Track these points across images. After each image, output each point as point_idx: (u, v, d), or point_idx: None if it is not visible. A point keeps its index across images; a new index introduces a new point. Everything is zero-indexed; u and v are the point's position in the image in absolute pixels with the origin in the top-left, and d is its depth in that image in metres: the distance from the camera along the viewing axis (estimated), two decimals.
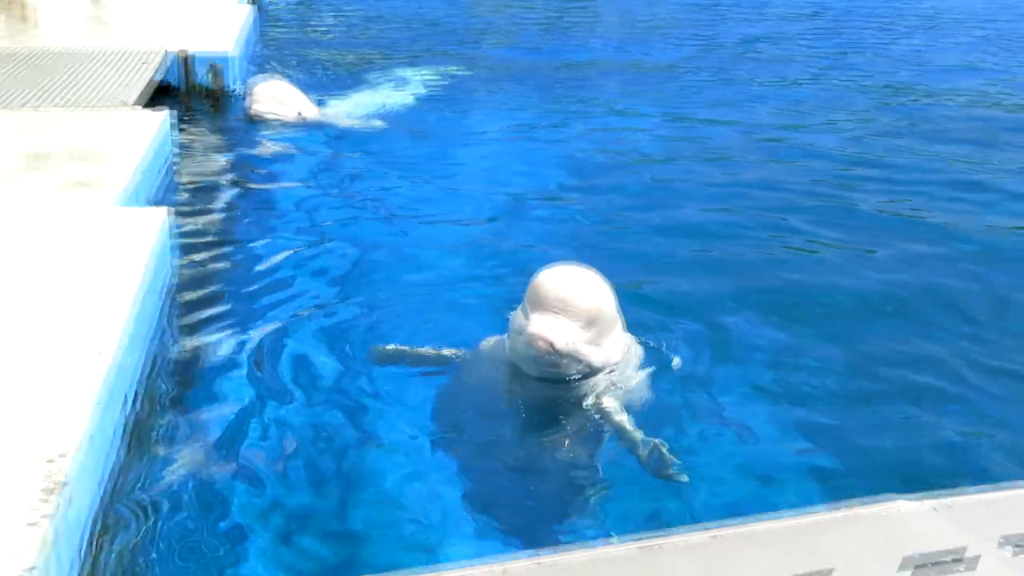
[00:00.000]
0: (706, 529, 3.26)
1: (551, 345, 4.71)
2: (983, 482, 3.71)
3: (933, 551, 3.11)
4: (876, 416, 5.39)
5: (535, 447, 4.94)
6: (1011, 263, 7.59)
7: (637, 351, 5.29)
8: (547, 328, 4.71)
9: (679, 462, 4.54)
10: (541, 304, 4.77)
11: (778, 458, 4.97)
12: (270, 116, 10.20)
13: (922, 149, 10.46)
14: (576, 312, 4.75)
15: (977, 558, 3.11)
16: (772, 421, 5.26)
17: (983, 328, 6.47)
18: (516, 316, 4.98)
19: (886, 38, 17.21)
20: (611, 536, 4.09)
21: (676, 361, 5.62)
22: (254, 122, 10.27)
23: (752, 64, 14.97)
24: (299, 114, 10.33)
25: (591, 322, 4.79)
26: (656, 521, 4.38)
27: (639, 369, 5.20)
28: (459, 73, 13.70)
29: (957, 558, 3.09)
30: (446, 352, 5.46)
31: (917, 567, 3.05)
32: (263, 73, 11.20)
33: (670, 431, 5.00)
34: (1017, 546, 3.16)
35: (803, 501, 4.51)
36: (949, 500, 3.42)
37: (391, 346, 5.61)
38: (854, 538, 3.20)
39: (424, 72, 13.53)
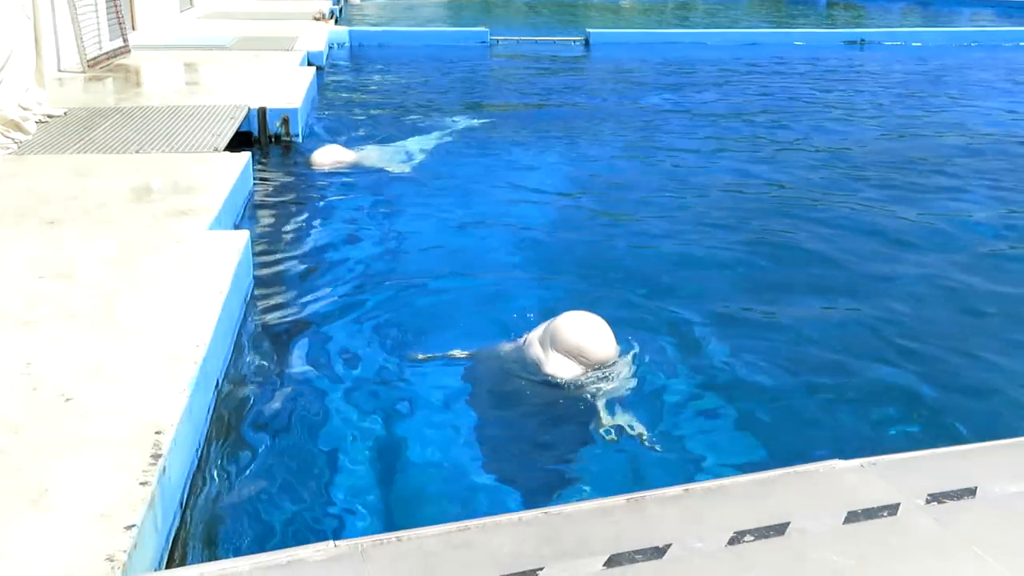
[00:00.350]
0: (680, 485, 3.26)
1: (564, 381, 4.85)
2: (909, 446, 3.69)
3: (867, 503, 3.10)
4: (817, 392, 5.38)
5: (544, 425, 4.94)
6: (960, 258, 7.66)
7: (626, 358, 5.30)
8: (562, 370, 4.85)
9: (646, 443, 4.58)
10: (559, 348, 4.85)
11: (736, 430, 4.96)
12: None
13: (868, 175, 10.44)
14: (588, 361, 4.83)
15: (897, 506, 3.10)
16: (732, 399, 5.25)
17: (928, 314, 6.52)
18: (535, 343, 5.03)
19: (848, 88, 17.14)
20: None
21: (659, 356, 5.65)
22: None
23: (728, 107, 14.92)
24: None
25: (599, 366, 4.87)
26: (640, 479, 4.38)
27: (627, 366, 5.22)
28: (484, 120, 13.68)
29: (885, 507, 3.08)
30: (470, 352, 5.48)
31: (853, 515, 3.04)
32: (326, 144, 11.10)
33: (652, 410, 5.02)
34: (930, 496, 3.15)
35: (757, 464, 4.51)
36: (875, 460, 3.41)
37: (427, 355, 5.62)
38: (802, 492, 3.19)
39: (454, 121, 13.51)
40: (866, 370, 5.61)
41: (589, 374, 4.95)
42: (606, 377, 5.03)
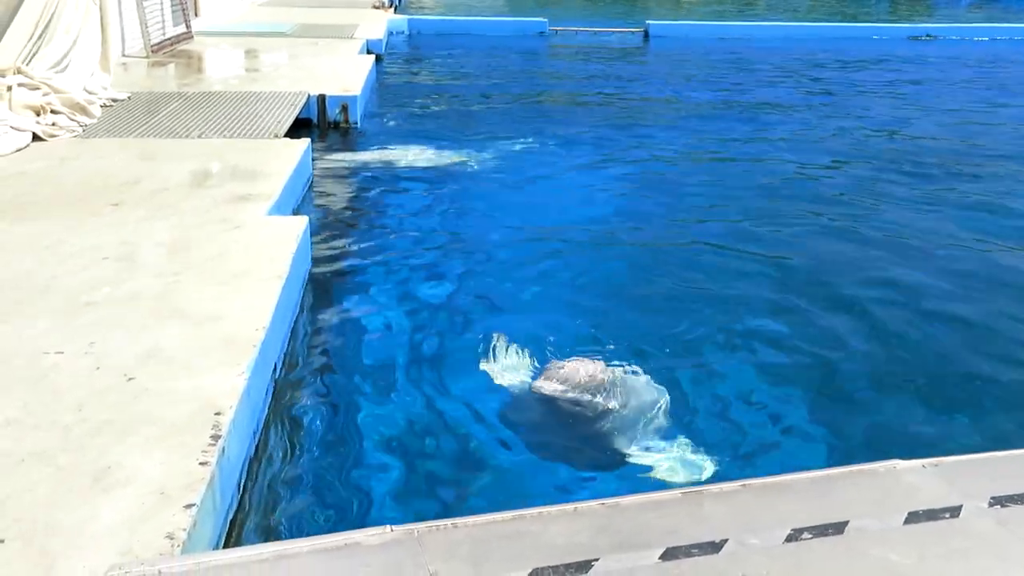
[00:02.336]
0: (737, 480, 3.24)
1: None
2: (970, 448, 3.64)
3: (928, 504, 3.06)
4: (879, 391, 5.31)
5: (595, 422, 4.92)
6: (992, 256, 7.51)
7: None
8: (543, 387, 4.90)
9: None
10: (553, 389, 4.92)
11: (792, 429, 4.91)
12: None
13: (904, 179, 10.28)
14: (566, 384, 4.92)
15: (959, 507, 3.05)
16: (791, 396, 5.22)
17: (995, 314, 6.42)
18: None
19: (884, 86, 16.89)
20: None
21: (717, 353, 5.63)
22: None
23: (790, 101, 14.77)
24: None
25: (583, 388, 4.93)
26: (695, 475, 4.35)
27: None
28: (541, 112, 13.66)
29: (947, 509, 3.03)
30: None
31: (914, 515, 3.00)
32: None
33: (707, 408, 4.99)
34: (993, 498, 3.10)
35: (816, 463, 4.46)
36: (937, 461, 3.36)
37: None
38: (862, 491, 3.15)
39: (511, 112, 13.51)
40: (929, 369, 5.54)
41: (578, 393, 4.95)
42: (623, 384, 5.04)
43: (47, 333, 4.35)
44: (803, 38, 23.49)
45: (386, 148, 10.62)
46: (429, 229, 8.08)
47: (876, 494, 3.13)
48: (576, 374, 4.95)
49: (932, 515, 3.01)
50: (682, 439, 4.65)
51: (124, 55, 13.35)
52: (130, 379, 3.93)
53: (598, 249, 7.81)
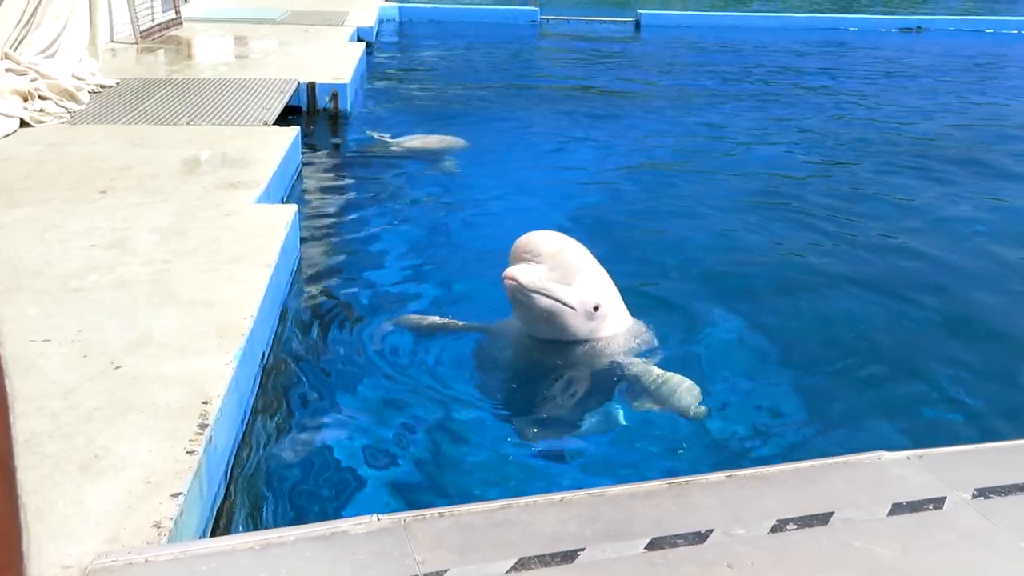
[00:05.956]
0: (723, 471, 3.26)
1: (517, 282, 4.71)
2: (955, 440, 3.66)
3: (912, 496, 3.09)
4: (866, 383, 5.33)
5: (582, 406, 4.93)
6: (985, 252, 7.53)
7: (637, 329, 5.23)
8: (514, 270, 4.74)
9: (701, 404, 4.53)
10: (512, 257, 4.81)
11: (778, 420, 4.92)
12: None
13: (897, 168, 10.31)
14: (540, 256, 4.75)
15: (943, 499, 3.08)
16: (777, 387, 5.23)
17: (985, 306, 6.44)
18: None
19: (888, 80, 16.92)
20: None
21: (701, 341, 5.62)
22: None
23: (780, 93, 14.78)
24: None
25: (556, 266, 4.76)
26: (682, 463, 4.36)
27: (643, 346, 5.15)
28: (532, 102, 13.64)
29: (930, 500, 3.06)
30: (472, 324, 5.52)
31: (898, 507, 3.02)
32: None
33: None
34: (977, 490, 3.12)
35: (802, 453, 4.48)
36: (922, 452, 3.39)
37: (426, 319, 5.63)
38: (846, 482, 3.18)
39: (501, 101, 13.49)
40: (917, 362, 5.55)
41: (552, 280, 4.78)
42: (613, 344, 5.01)
43: (36, 319, 4.34)
44: (795, 28, 23.49)
45: (375, 136, 10.60)
46: (419, 217, 8.08)
47: (861, 485, 3.16)
48: None
49: (916, 506, 3.04)
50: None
51: (113, 41, 13.28)
52: (117, 367, 3.92)
53: (587, 236, 7.81)
